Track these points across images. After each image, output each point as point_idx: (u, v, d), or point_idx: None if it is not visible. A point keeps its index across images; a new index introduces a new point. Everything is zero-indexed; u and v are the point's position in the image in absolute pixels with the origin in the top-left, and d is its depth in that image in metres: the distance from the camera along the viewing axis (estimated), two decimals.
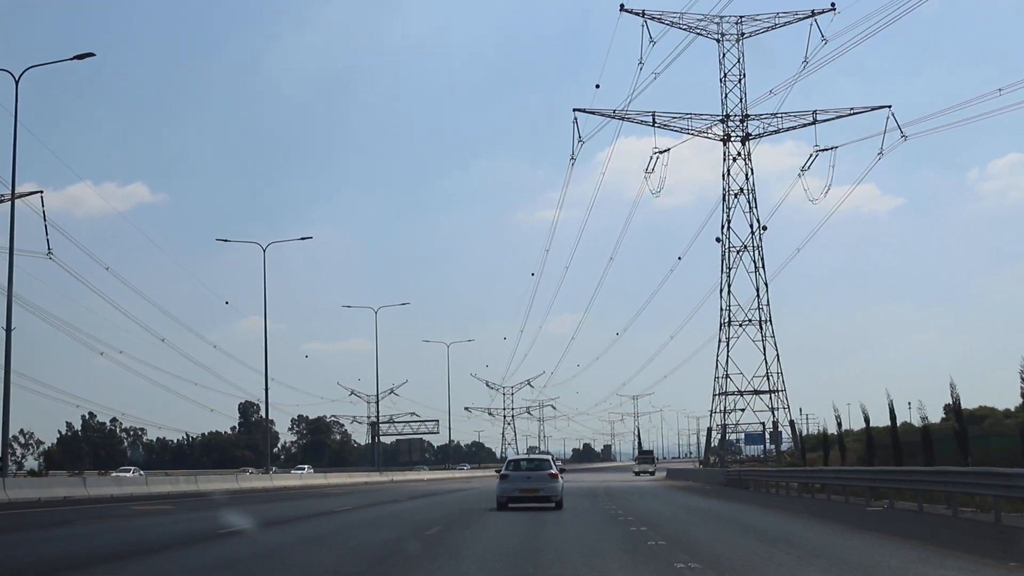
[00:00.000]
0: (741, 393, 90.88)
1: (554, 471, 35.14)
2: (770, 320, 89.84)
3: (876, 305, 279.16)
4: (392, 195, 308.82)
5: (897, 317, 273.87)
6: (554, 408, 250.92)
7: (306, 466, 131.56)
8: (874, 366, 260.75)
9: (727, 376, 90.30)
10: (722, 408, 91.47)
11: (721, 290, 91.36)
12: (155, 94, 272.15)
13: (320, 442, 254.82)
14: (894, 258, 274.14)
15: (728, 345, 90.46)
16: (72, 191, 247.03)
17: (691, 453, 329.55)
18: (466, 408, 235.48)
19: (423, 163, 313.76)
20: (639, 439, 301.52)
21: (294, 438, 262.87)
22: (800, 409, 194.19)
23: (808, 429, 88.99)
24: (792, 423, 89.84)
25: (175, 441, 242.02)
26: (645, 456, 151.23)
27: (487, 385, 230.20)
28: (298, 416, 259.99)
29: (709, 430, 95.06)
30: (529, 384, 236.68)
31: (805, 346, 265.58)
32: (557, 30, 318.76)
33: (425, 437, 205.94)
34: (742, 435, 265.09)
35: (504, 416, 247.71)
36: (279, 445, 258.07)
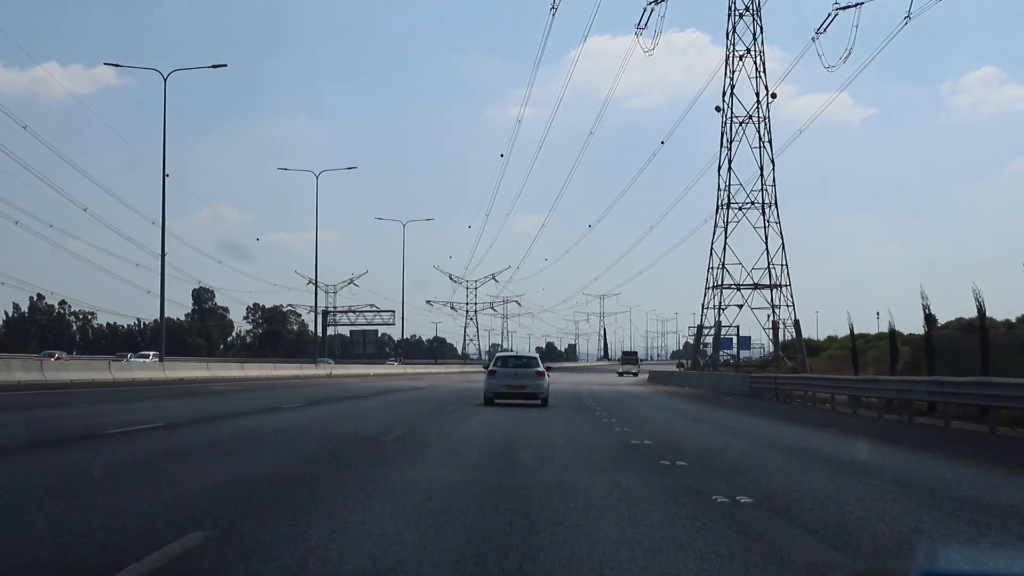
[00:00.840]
0: (739, 287, 77.37)
1: (541, 369, 35.49)
2: (775, 203, 76.22)
3: (845, 214, 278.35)
4: (366, 86, 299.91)
5: (865, 227, 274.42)
6: (519, 304, 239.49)
7: (151, 353, 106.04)
8: (842, 275, 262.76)
9: (723, 267, 76.75)
10: (716, 303, 78.01)
11: (719, 167, 77.63)
12: None
13: (276, 332, 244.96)
14: (863, 167, 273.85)
15: (726, 231, 76.86)
16: (37, 72, 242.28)
17: (660, 355, 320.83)
18: (428, 302, 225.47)
19: (397, 55, 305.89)
20: (605, 339, 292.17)
21: (249, 327, 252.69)
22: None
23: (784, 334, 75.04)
24: (797, 323, 76.55)
25: (125, 327, 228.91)
26: (629, 357, 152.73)
27: (450, 278, 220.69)
28: (253, 305, 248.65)
29: (699, 328, 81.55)
30: (494, 279, 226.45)
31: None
32: None
33: (382, 329, 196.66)
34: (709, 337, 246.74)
35: (467, 311, 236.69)
36: (233, 334, 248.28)
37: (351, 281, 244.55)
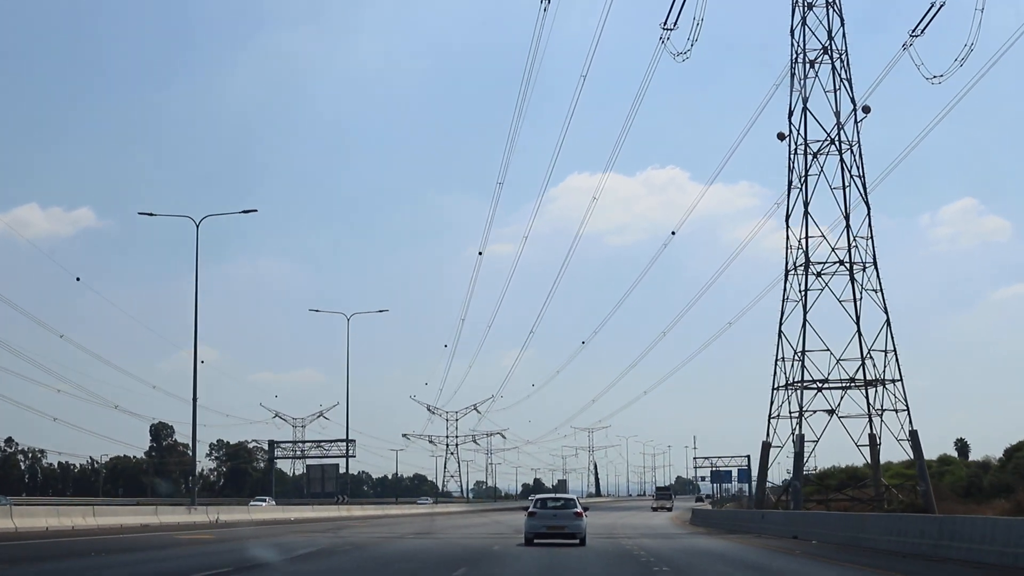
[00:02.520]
0: (822, 386, 51.66)
1: (579, 510, 35.03)
2: (875, 262, 51.23)
3: None
4: (342, 227, 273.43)
5: None
6: (503, 438, 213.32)
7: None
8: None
9: (803, 355, 51.11)
10: (794, 409, 52.03)
11: (788, 213, 52.82)
12: (111, 116, 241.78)
13: (241, 470, 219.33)
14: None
15: (805, 303, 51.51)
16: (18, 213, 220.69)
17: (647, 492, 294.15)
18: (404, 435, 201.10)
19: (374, 195, 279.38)
20: (596, 474, 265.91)
21: (213, 465, 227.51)
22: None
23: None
24: (915, 435, 50.50)
25: (77, 466, 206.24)
26: (663, 492, 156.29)
27: (428, 409, 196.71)
28: (217, 441, 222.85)
29: (766, 447, 54.92)
30: (476, 410, 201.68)
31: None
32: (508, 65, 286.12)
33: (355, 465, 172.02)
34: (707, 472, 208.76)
35: (447, 445, 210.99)
36: (195, 473, 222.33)
37: (320, 414, 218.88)
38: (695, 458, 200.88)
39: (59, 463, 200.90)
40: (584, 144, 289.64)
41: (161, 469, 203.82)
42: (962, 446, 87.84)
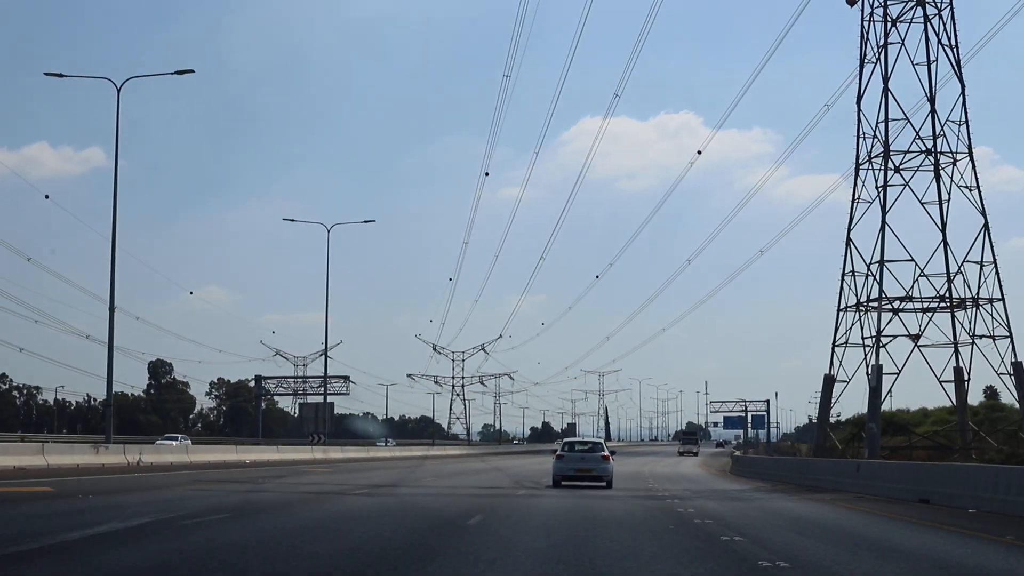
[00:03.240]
0: (902, 305, 40.17)
1: (606, 453, 35.41)
2: (969, 150, 39.70)
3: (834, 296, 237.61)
4: (351, 172, 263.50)
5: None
6: (511, 379, 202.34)
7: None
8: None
9: (880, 266, 39.62)
10: (869, 332, 40.50)
11: (861, 91, 41.18)
12: (115, 56, 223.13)
13: (241, 409, 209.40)
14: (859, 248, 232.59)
15: (884, 201, 40.03)
16: (29, 151, 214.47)
17: (659, 437, 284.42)
18: (409, 375, 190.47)
19: (382, 140, 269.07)
20: (607, 419, 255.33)
21: (212, 404, 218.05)
22: None
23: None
24: (1018, 368, 39.04)
25: (74, 403, 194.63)
26: (689, 437, 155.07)
27: (433, 349, 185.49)
28: (217, 379, 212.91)
29: (830, 380, 43.20)
30: (483, 350, 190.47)
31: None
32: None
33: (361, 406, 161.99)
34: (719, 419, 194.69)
35: (453, 386, 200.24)
36: (195, 411, 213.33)
37: (323, 353, 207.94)
38: (710, 402, 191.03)
39: (55, 400, 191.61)
40: (597, 87, 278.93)
41: (159, 407, 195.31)
42: None
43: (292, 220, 75.52)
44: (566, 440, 39.97)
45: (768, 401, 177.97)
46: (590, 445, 37.06)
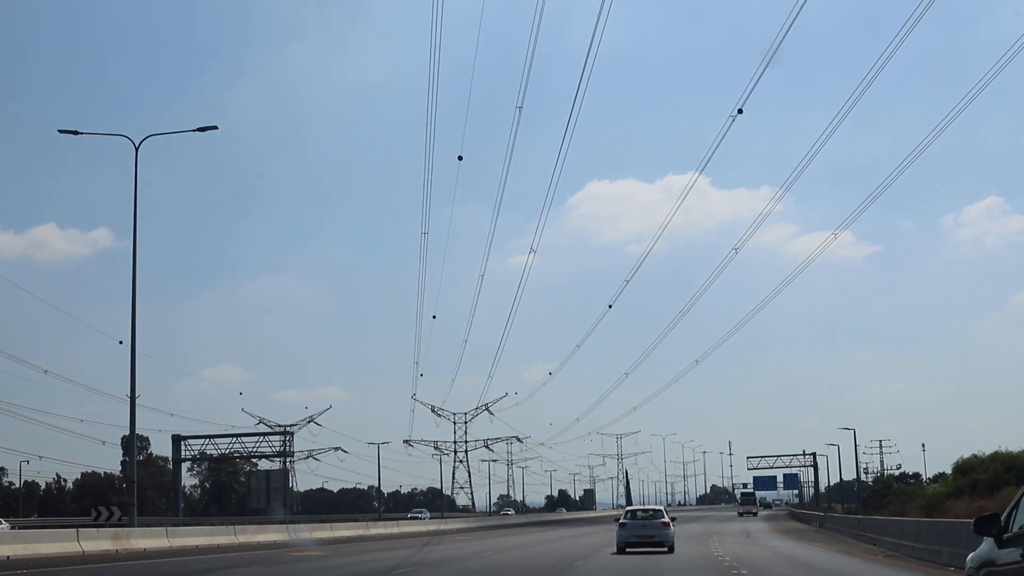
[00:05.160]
0: None
1: (667, 520, 35.97)
2: None
3: (849, 353, 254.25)
4: (359, 243, 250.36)
5: (870, 365, 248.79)
6: (520, 441, 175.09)
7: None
8: (846, 413, 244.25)
9: None
10: None
11: None
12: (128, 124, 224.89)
13: (226, 485, 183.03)
14: (868, 305, 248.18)
15: None
16: (36, 233, 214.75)
17: (683, 502, 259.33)
18: (405, 441, 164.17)
19: (387, 210, 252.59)
20: (627, 484, 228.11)
21: (195, 481, 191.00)
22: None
23: None
24: None
25: (42, 485, 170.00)
26: (748, 497, 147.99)
27: (432, 411, 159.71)
28: (199, 454, 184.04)
29: None
30: (488, 410, 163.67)
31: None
32: (516, 71, 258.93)
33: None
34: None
35: (455, 452, 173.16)
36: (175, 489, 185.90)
37: (311, 419, 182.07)
38: (748, 458, 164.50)
39: (24, 482, 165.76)
40: (604, 150, 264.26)
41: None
42: None
43: (76, 132, 49.97)
44: (628, 508, 41.12)
45: (815, 455, 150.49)
46: (651, 512, 37.83)
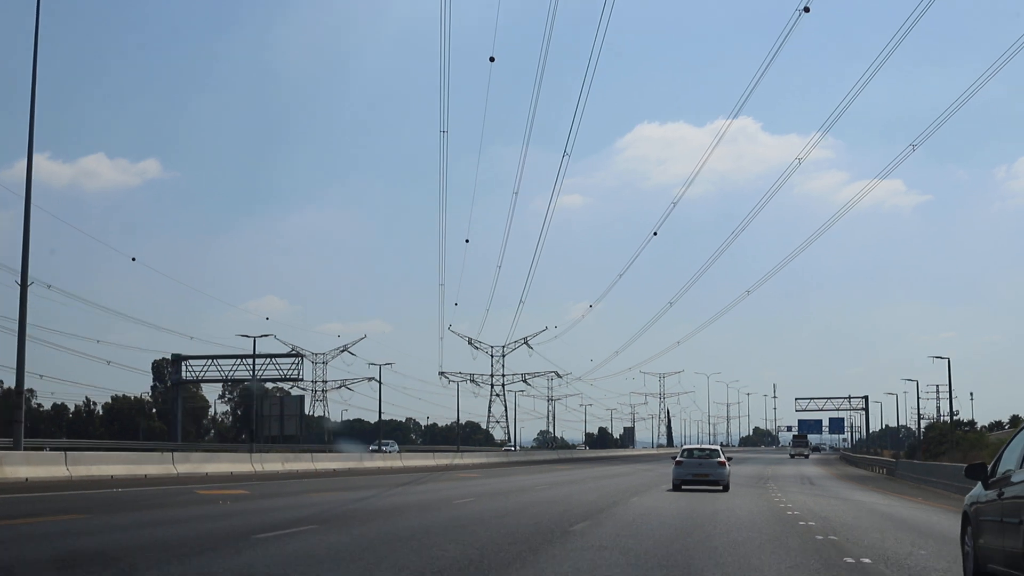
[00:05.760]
0: None
1: (722, 459, 36.41)
2: None
3: (897, 302, 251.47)
4: (404, 179, 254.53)
5: (918, 315, 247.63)
6: (558, 376, 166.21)
7: None
8: (892, 361, 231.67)
9: None
10: None
11: None
12: (166, 70, 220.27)
13: (284, 416, 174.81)
14: (917, 255, 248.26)
15: None
16: (85, 162, 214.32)
17: (718, 443, 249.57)
18: (441, 374, 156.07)
19: (434, 149, 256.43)
20: (669, 423, 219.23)
21: (226, 408, 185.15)
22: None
23: None
24: None
25: (71, 408, 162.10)
26: (800, 440, 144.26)
27: (469, 343, 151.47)
28: (229, 380, 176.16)
29: None
30: (527, 344, 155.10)
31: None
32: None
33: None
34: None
35: (492, 385, 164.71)
36: (208, 416, 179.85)
37: (345, 348, 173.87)
38: (797, 399, 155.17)
39: (53, 404, 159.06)
40: (654, 94, 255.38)
41: (164, 409, 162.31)
42: None
43: None
44: (684, 447, 40.59)
45: (867, 398, 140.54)
46: (708, 452, 37.74)
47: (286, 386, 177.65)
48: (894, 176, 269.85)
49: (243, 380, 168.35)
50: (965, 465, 13.31)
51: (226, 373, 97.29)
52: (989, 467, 12.04)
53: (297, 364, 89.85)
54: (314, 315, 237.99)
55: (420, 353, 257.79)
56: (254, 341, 78.21)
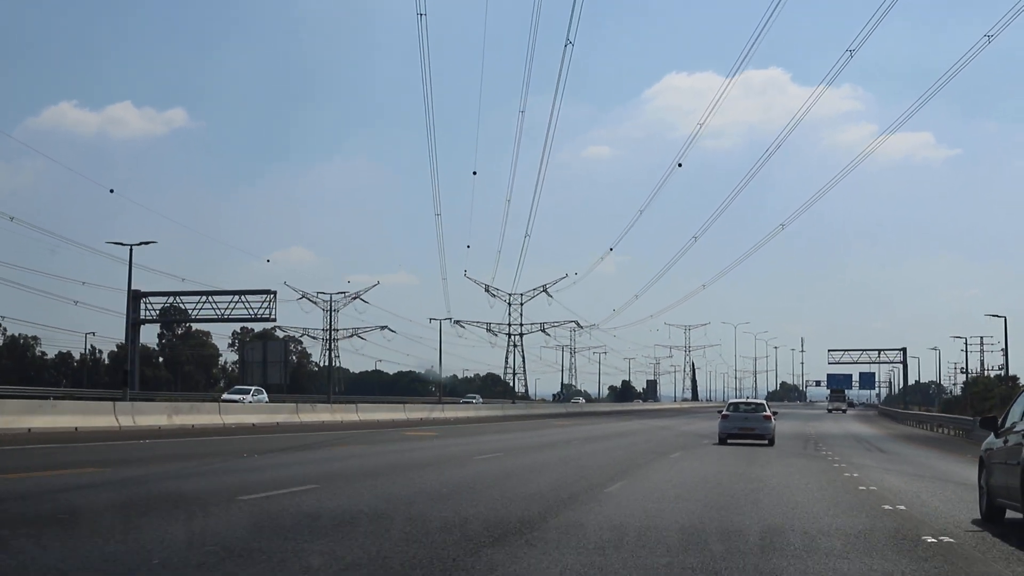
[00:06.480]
0: None
1: (767, 413, 35.45)
2: None
3: (926, 256, 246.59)
4: (428, 130, 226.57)
5: (947, 269, 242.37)
6: (579, 326, 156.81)
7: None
8: (918, 317, 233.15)
9: None
10: None
11: None
12: (193, 18, 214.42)
13: (268, 362, 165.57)
14: (947, 209, 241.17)
15: None
16: (112, 111, 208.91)
17: (745, 397, 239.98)
18: (456, 322, 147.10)
19: (459, 99, 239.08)
20: (694, 377, 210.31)
21: (235, 357, 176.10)
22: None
23: None
24: None
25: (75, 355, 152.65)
26: (838, 395, 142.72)
27: (486, 291, 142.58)
28: (240, 329, 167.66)
29: None
30: (545, 292, 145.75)
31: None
32: None
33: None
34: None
35: (509, 335, 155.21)
36: (219, 365, 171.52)
37: (357, 296, 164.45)
38: (830, 351, 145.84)
39: (58, 352, 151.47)
40: (683, 42, 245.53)
41: (173, 360, 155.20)
42: None
43: None
44: (730, 401, 39.34)
45: (904, 350, 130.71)
46: (753, 406, 37.16)
47: (296, 332, 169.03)
48: (923, 129, 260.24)
49: (251, 330, 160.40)
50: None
51: (192, 312, 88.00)
52: (1000, 420, 14.02)
53: (269, 301, 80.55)
54: (342, 267, 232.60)
55: (438, 303, 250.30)
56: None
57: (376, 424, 44.36)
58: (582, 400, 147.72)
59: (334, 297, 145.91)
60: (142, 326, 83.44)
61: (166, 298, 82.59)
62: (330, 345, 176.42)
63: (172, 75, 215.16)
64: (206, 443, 26.41)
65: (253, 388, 62.61)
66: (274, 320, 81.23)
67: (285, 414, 40.09)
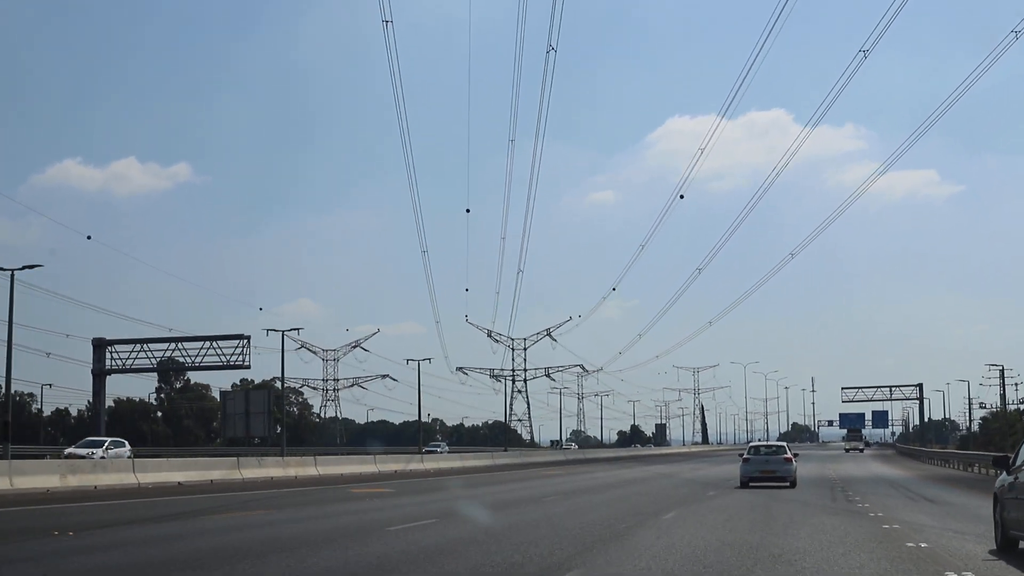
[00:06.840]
0: None
1: (788, 456, 35.33)
2: None
3: (931, 294, 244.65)
4: (433, 178, 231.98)
5: (953, 306, 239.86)
6: (584, 370, 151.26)
7: None
8: (925, 355, 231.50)
9: None
10: None
11: None
12: (192, 72, 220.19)
13: (251, 413, 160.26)
14: (952, 246, 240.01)
15: None
16: (116, 167, 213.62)
17: (756, 439, 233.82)
18: (459, 369, 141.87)
19: (463, 147, 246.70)
20: (703, 420, 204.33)
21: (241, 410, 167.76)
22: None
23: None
24: None
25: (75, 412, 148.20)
26: (855, 434, 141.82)
27: (488, 335, 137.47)
28: (240, 381, 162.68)
29: None
30: (549, 336, 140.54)
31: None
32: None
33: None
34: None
35: (513, 380, 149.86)
36: (218, 419, 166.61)
37: (356, 344, 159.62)
38: (843, 388, 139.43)
39: (55, 409, 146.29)
40: (684, 86, 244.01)
41: (168, 413, 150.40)
42: None
43: None
44: (751, 444, 39.97)
45: (920, 386, 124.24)
46: (774, 448, 36.90)
47: (295, 383, 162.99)
48: (927, 166, 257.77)
49: (251, 381, 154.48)
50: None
51: (156, 360, 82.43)
52: (1012, 458, 14.91)
53: (243, 347, 75.15)
54: (348, 318, 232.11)
55: (442, 351, 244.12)
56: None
57: (332, 479, 39.27)
58: (574, 446, 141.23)
59: (336, 350, 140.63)
60: (108, 376, 77.60)
61: (131, 346, 76.91)
62: (326, 394, 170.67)
63: (175, 129, 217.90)
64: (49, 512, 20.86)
65: (109, 440, 54.76)
66: (248, 367, 75.95)
67: (223, 470, 34.97)
